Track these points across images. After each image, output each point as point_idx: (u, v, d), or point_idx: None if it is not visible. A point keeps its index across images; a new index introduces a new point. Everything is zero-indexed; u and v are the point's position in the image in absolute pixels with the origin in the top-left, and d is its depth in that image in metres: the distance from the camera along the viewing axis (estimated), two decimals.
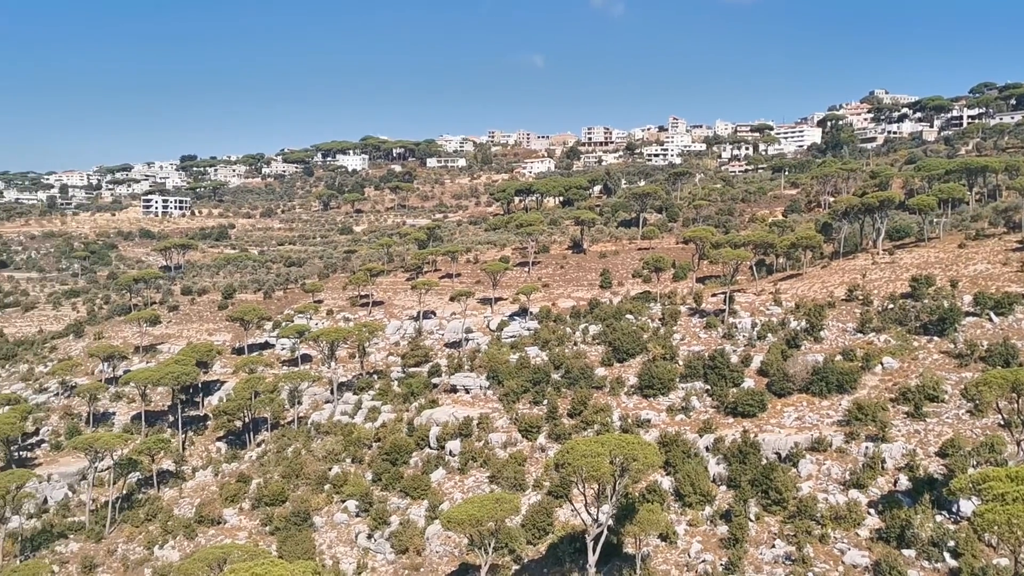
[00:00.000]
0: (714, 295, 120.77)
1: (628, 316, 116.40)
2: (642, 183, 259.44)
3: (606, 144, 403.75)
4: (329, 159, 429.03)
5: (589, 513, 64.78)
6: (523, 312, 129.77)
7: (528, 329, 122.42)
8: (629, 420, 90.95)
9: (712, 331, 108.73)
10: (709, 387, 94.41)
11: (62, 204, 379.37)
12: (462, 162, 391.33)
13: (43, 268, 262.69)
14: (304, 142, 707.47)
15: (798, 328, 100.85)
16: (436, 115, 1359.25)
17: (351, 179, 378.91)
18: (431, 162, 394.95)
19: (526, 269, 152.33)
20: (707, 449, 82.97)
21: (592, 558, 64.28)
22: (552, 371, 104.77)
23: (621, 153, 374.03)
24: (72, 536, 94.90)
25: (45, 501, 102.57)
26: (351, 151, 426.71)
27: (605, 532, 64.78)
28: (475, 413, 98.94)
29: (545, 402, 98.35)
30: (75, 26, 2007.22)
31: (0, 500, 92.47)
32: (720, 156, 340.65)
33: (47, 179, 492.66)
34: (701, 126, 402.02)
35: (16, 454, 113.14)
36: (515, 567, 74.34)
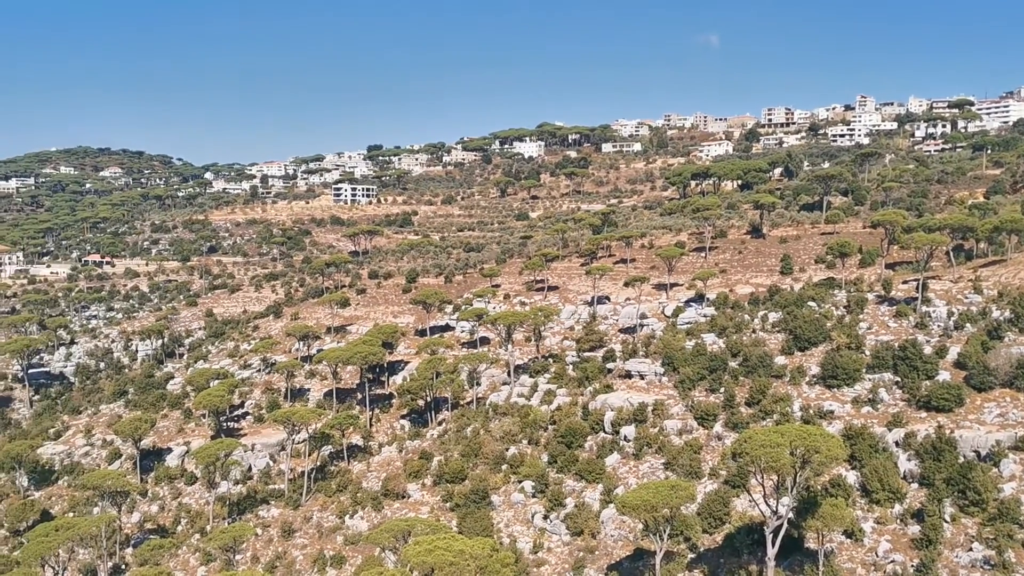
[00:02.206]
0: (905, 282, 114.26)
1: (810, 303, 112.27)
2: (826, 165, 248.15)
3: (787, 125, 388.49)
4: (506, 146, 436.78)
5: (768, 505, 63.48)
6: (699, 298, 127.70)
7: (704, 316, 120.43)
8: (811, 411, 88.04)
9: (903, 320, 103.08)
10: (899, 379, 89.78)
11: (263, 193, 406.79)
12: (637, 147, 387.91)
13: (246, 253, 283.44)
14: (482, 130, 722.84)
15: (1001, 318, 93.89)
16: (611, 100, 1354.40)
17: (527, 166, 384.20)
18: (606, 147, 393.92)
19: (702, 254, 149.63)
20: (896, 444, 79.13)
21: (771, 551, 63.01)
22: (729, 359, 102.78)
23: (803, 134, 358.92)
24: (273, 502, 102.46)
25: (249, 469, 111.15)
26: (527, 138, 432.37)
27: (785, 525, 63.29)
28: (650, 399, 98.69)
29: (722, 390, 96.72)
30: (277, 26, 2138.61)
31: (211, 466, 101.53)
32: (912, 135, 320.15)
33: (250, 170, 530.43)
34: (892, 103, 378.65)
35: (224, 424, 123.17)
36: (690, 555, 73.97)
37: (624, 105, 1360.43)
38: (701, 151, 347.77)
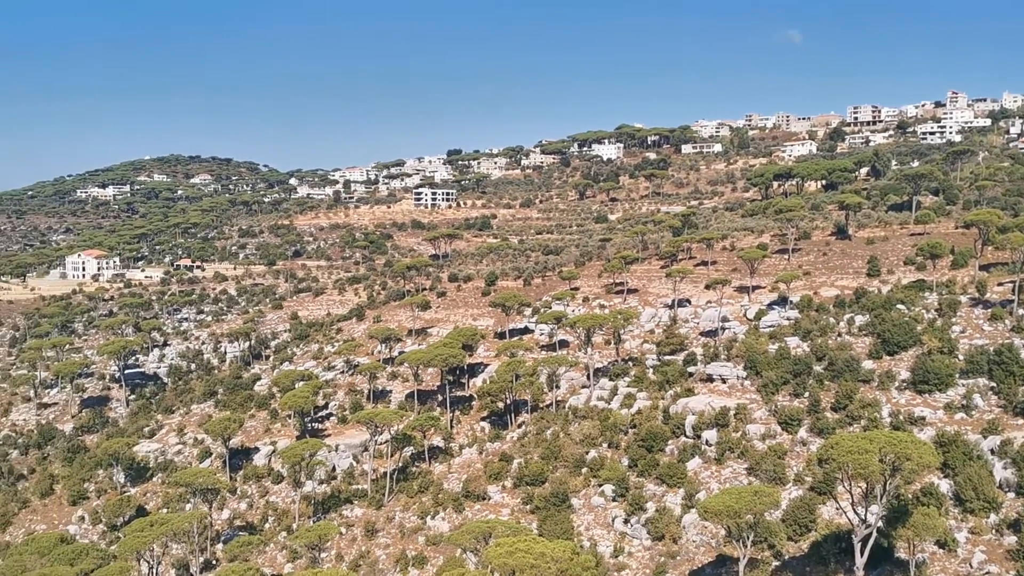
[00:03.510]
0: (1000, 284, 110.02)
1: (899, 306, 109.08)
2: (915, 163, 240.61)
3: (874, 123, 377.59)
4: (585, 149, 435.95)
5: (856, 513, 62.00)
6: (782, 301, 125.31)
7: (787, 319, 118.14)
8: (900, 416, 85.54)
9: (998, 323, 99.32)
10: (994, 384, 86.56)
11: (345, 198, 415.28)
12: (718, 147, 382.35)
13: (330, 256, 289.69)
14: (560, 133, 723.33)
15: None
16: (691, 101, 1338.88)
17: (606, 168, 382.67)
18: (686, 148, 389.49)
19: (785, 256, 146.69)
20: (992, 452, 76.31)
21: (860, 560, 61.51)
22: (814, 362, 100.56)
23: (891, 132, 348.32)
24: (356, 502, 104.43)
25: (333, 469, 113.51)
26: (606, 140, 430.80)
27: (874, 534, 61.69)
28: (732, 403, 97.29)
29: (806, 394, 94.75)
30: (359, 33, 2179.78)
31: (297, 466, 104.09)
32: (1007, 132, 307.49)
33: (333, 175, 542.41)
34: (985, 100, 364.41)
35: (309, 425, 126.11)
36: (775, 563, 72.66)
37: (704, 106, 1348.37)
38: (783, 151, 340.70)
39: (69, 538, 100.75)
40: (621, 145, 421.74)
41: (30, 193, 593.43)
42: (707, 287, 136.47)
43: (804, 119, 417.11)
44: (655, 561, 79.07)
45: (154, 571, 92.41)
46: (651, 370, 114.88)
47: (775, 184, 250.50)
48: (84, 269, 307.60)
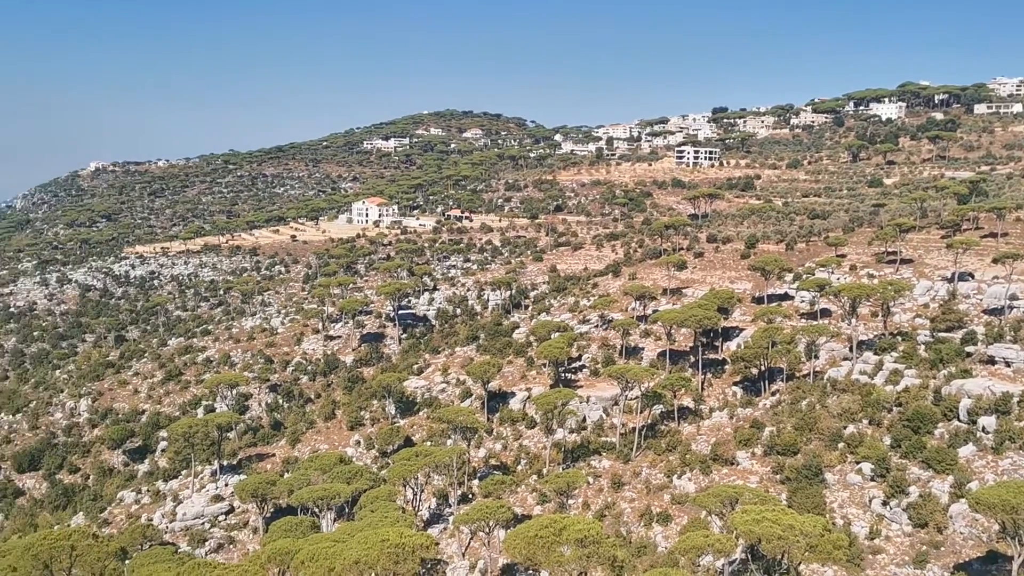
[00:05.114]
0: None
1: None
2: None
3: None
4: (861, 108, 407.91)
5: None
6: None
7: None
8: None
9: None
10: None
11: (607, 155, 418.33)
12: (1018, 107, 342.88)
13: (589, 212, 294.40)
14: (835, 91, 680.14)
15: None
16: (988, 55, 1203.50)
17: (884, 129, 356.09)
18: (979, 108, 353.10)
19: None
20: None
21: None
22: None
23: None
24: (604, 454, 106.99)
25: (584, 420, 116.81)
26: (886, 99, 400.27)
27: None
28: (1016, 389, 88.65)
29: None
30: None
31: (549, 413, 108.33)
32: None
33: (596, 132, 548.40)
34: None
35: (562, 375, 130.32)
36: None
37: (1004, 61, 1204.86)
38: None
39: (347, 459, 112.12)
40: (903, 104, 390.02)
41: (324, 143, 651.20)
42: (995, 261, 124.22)
43: None
44: (915, 549, 74.71)
45: (417, 497, 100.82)
46: (922, 347, 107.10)
47: None
48: (367, 215, 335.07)
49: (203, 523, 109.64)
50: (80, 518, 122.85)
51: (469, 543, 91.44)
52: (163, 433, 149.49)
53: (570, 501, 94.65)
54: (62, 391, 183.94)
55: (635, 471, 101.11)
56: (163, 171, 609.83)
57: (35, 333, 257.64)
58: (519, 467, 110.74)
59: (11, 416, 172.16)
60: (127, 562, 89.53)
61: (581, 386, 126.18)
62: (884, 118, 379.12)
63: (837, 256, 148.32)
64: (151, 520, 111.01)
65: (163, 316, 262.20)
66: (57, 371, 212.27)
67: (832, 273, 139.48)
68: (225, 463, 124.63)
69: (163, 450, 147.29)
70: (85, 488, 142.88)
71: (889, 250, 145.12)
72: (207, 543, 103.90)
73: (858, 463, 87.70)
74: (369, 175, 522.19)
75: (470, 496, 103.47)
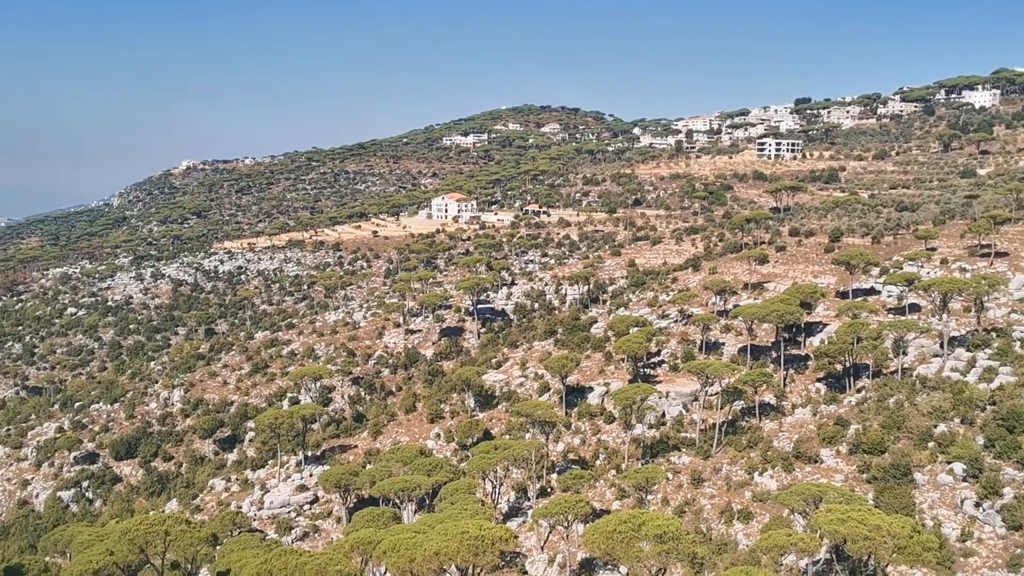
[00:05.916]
0: None
1: None
2: None
3: None
4: (953, 96, 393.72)
5: None
6: None
7: None
8: None
9: None
10: None
11: (687, 148, 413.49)
12: None
13: (669, 206, 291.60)
14: (925, 79, 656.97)
15: None
16: None
17: (977, 117, 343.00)
18: None
19: None
20: None
21: None
22: None
23: None
24: (684, 450, 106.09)
25: (663, 415, 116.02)
26: (979, 86, 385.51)
27: None
28: None
29: None
30: None
31: (627, 408, 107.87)
32: None
33: (675, 125, 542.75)
34: None
35: (641, 370, 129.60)
36: None
37: None
38: None
39: (427, 451, 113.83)
40: (998, 92, 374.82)
41: (404, 140, 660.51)
42: None
43: None
44: (1009, 552, 72.23)
45: (496, 490, 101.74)
46: (1018, 343, 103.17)
47: None
48: (446, 210, 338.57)
49: (289, 511, 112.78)
50: (174, 504, 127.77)
51: (548, 537, 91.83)
52: (251, 424, 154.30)
53: (649, 497, 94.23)
54: (156, 382, 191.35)
55: (715, 467, 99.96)
56: (249, 169, 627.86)
57: (131, 326, 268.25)
58: (597, 462, 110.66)
59: (109, 405, 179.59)
60: (218, 547, 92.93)
61: (660, 381, 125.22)
62: (977, 106, 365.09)
63: (927, 250, 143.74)
64: (240, 507, 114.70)
65: (250, 310, 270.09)
66: (152, 362, 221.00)
67: (921, 267, 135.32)
68: (309, 454, 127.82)
69: (251, 440, 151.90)
70: (178, 475, 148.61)
71: (983, 243, 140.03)
72: (293, 531, 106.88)
73: (949, 463, 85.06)
74: (448, 171, 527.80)
75: (548, 490, 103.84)
